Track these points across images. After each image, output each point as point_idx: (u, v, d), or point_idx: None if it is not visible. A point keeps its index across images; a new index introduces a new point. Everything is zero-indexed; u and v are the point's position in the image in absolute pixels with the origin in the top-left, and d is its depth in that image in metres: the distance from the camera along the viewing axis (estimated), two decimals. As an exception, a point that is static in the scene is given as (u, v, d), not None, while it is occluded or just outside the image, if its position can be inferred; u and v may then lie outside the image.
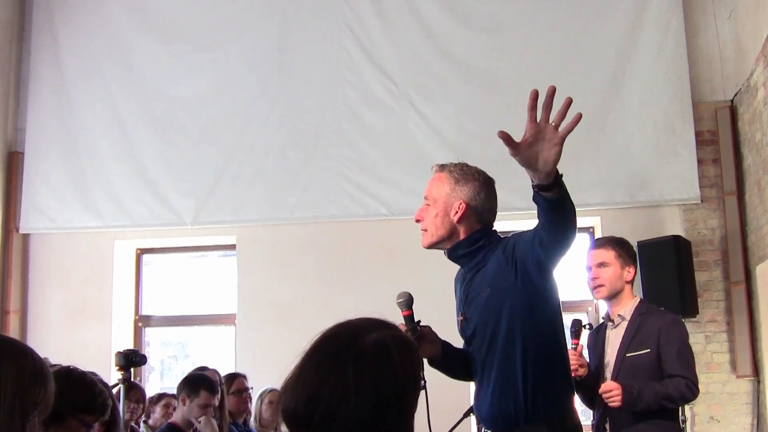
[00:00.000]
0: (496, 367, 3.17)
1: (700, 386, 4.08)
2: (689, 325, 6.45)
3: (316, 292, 7.36)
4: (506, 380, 3.13)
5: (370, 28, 7.67)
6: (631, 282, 4.27)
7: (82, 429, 2.73)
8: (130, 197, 7.76)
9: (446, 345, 3.43)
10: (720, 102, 7.14)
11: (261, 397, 6.36)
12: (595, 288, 4.27)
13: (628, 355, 4.10)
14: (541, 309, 3.11)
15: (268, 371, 6.65)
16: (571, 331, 4.21)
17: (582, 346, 4.27)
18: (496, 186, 3.34)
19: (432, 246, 3.34)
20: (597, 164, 7.14)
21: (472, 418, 4.74)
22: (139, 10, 8.05)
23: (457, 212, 3.24)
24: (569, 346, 3.87)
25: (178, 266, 8.41)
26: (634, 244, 6.51)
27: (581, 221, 7.50)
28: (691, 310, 6.49)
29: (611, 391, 3.95)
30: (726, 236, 6.96)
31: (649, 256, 6.38)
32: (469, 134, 7.31)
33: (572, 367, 3.66)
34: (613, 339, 4.22)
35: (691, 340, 6.15)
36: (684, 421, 4.47)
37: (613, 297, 4.26)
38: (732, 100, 7.06)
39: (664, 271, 5.98)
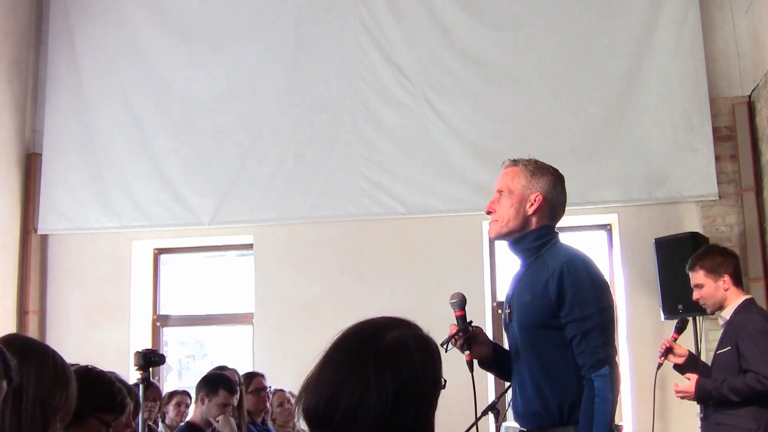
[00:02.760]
0: (534, 365, 3.19)
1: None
2: (707, 322, 6.42)
3: (334, 291, 7.34)
4: (542, 380, 3.16)
5: (386, 27, 7.65)
6: (733, 285, 4.55)
7: (101, 428, 2.74)
8: (148, 197, 7.78)
9: (496, 346, 3.45)
10: (737, 97, 7.08)
11: None
12: (703, 306, 4.72)
13: (717, 352, 4.49)
14: None
15: (286, 370, 6.67)
16: (676, 326, 4.96)
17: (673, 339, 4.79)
18: None
19: (501, 236, 3.36)
20: (614, 161, 7.10)
21: (491, 417, 4.75)
22: (156, 11, 8.06)
23: (533, 204, 3.28)
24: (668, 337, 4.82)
25: (195, 266, 8.43)
26: (652, 241, 6.55)
27: (598, 218, 7.50)
28: (710, 308, 6.48)
29: (681, 391, 4.50)
30: (744, 232, 6.91)
31: (667, 253, 6.40)
32: (485, 132, 7.29)
33: (661, 351, 4.64)
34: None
35: (710, 337, 6.16)
36: None
37: (721, 307, 4.60)
38: (749, 96, 7.01)
39: (682, 268, 5.92)
